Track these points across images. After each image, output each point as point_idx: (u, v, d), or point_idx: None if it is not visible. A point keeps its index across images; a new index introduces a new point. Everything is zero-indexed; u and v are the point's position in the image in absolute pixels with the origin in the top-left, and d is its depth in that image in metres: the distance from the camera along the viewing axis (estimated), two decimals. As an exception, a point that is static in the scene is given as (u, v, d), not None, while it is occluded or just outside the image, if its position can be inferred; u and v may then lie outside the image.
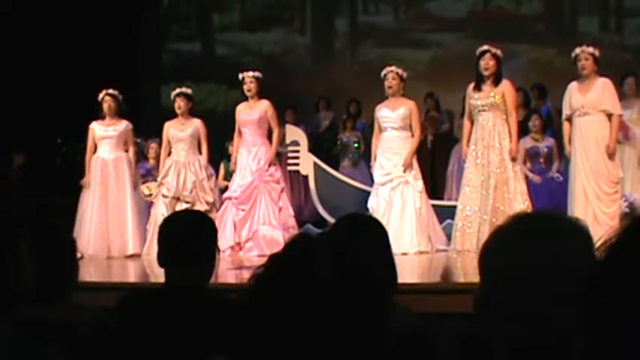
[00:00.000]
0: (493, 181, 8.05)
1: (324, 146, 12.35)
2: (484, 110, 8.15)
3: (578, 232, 1.59)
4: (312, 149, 10.38)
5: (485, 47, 8.25)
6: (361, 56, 13.45)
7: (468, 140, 8.29)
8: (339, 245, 2.16)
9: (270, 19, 14.03)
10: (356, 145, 11.98)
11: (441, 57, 12.86)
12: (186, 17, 14.63)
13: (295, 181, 10.95)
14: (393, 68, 8.86)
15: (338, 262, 1.84)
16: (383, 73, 8.89)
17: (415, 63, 12.76)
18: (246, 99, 9.26)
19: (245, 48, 13.84)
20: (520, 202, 8.00)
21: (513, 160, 8.13)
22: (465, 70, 8.13)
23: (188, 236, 3.02)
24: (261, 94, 9.22)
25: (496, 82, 8.17)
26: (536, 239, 1.56)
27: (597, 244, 1.46)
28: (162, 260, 3.05)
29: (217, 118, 8.94)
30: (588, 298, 1.35)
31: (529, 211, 6.98)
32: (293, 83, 13.03)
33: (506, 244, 1.58)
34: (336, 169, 11.17)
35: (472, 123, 8.31)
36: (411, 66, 12.16)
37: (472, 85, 8.30)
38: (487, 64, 8.16)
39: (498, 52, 8.25)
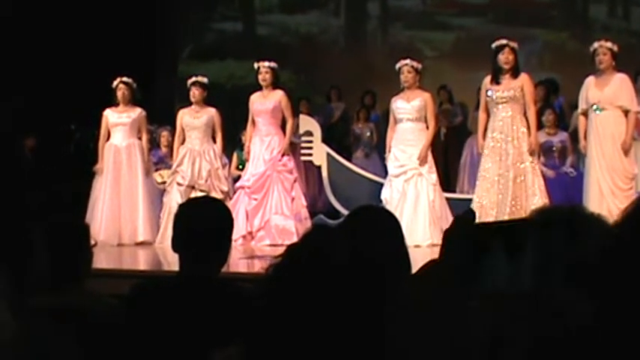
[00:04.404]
0: (512, 174, 7.99)
1: (335, 137, 12.36)
2: (502, 103, 8.10)
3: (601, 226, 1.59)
4: (324, 140, 10.38)
5: (504, 41, 8.15)
6: (391, 37, 14.29)
7: (484, 133, 8.25)
8: (354, 237, 2.15)
9: (307, 1, 14.92)
10: (368, 134, 12.12)
11: (463, 39, 13.68)
12: (229, -1, 15.65)
13: (310, 172, 10.94)
14: (407, 61, 8.84)
15: (354, 253, 1.84)
16: (398, 67, 8.87)
17: (440, 44, 13.80)
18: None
19: (284, 28, 14.70)
20: (538, 197, 7.96)
21: (532, 153, 8.07)
22: (486, 51, 8.28)
23: (206, 223, 2.99)
24: (276, 84, 9.21)
25: (515, 75, 8.12)
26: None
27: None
28: (177, 246, 3.02)
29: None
30: (602, 262, 1.36)
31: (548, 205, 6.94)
32: (328, 62, 13.85)
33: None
34: (349, 159, 11.16)
35: (488, 115, 8.25)
36: (437, 47, 13.63)
37: (489, 78, 8.23)
38: (507, 58, 8.09)
39: (516, 45, 8.20)
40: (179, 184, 9.22)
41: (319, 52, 14.15)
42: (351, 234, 2.32)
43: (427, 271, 1.88)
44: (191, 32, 15.02)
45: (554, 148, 9.82)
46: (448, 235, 1.67)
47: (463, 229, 1.60)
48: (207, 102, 9.45)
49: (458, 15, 13.95)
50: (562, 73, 11.56)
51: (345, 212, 9.53)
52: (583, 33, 12.67)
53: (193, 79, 9.46)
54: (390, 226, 2.77)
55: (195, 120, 9.32)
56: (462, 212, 1.76)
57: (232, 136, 10.51)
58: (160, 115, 11.10)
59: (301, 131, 10.29)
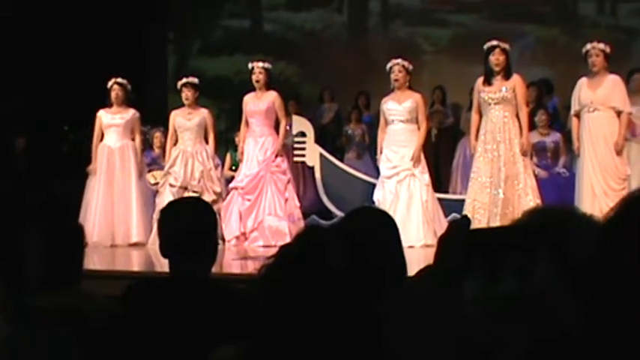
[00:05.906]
0: (503, 175, 8.00)
1: (328, 138, 12.38)
2: (494, 104, 8.11)
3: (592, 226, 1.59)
4: (316, 140, 10.39)
5: (494, 42, 8.18)
6: (392, 33, 14.85)
7: (477, 133, 8.26)
8: (351, 237, 2.16)
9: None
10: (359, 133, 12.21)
11: (460, 35, 14.22)
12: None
13: (294, 172, 10.94)
14: (399, 61, 8.83)
15: (350, 253, 1.84)
16: (389, 66, 8.86)
17: (438, 40, 14.43)
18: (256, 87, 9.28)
19: (289, 25, 15.21)
20: (531, 197, 7.98)
21: (524, 154, 8.10)
22: (482, 46, 8.38)
23: (188, 225, 2.97)
24: (269, 85, 9.21)
25: (506, 76, 8.14)
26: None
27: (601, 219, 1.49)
28: (164, 250, 3.01)
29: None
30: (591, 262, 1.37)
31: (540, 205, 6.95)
32: (331, 57, 14.44)
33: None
34: (342, 160, 11.17)
35: (480, 116, 8.27)
36: (435, 42, 14.34)
37: (481, 79, 8.25)
38: (497, 59, 8.12)
39: (507, 46, 8.22)
40: (172, 186, 9.22)
41: (323, 48, 14.67)
42: (349, 235, 2.33)
43: (422, 276, 1.89)
44: (190, 33, 15.32)
45: (547, 148, 9.84)
46: (442, 241, 1.68)
47: (457, 235, 1.61)
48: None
49: (455, 12, 14.46)
50: (553, 67, 12.30)
51: (337, 213, 9.53)
52: (573, 29, 13.24)
53: (184, 80, 9.45)
54: (387, 227, 2.78)
55: (188, 121, 9.32)
56: (458, 218, 1.78)
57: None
58: (153, 116, 11.09)
59: (294, 132, 10.29)
